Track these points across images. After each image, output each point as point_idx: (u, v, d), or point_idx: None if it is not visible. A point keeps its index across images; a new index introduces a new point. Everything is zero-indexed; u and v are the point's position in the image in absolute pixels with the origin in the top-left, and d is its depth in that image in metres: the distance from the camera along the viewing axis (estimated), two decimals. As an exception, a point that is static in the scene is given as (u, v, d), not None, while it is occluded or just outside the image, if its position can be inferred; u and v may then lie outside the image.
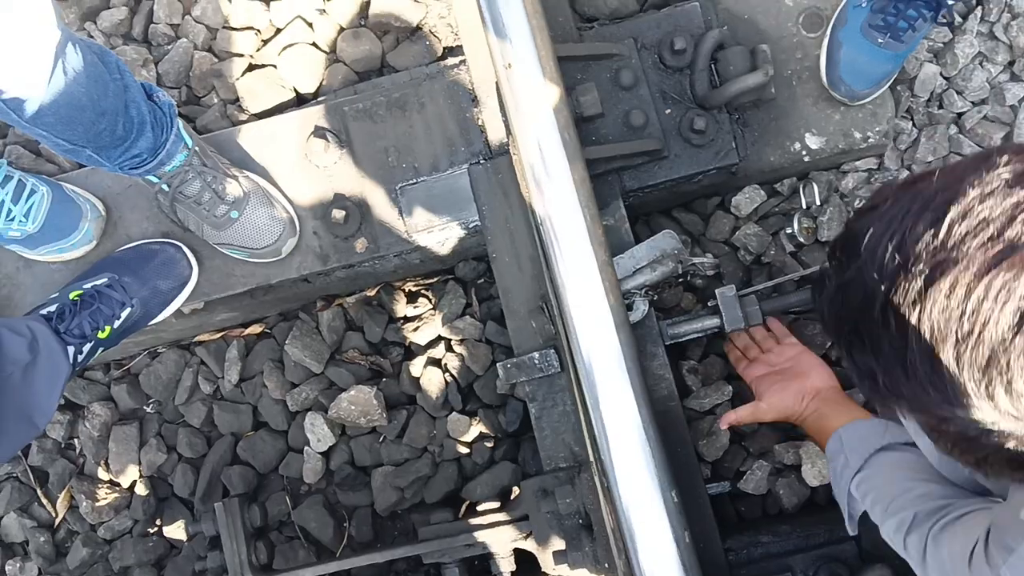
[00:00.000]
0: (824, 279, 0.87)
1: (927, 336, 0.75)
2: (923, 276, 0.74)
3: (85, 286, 1.62)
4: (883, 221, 0.79)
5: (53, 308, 1.58)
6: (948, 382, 0.76)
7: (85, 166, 1.75)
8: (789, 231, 1.73)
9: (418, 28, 1.87)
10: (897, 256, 0.76)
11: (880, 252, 0.77)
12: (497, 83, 1.53)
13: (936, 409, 0.79)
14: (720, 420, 1.59)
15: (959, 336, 0.73)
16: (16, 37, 1.15)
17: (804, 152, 1.69)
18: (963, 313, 0.72)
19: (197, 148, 1.59)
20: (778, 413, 1.53)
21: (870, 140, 1.68)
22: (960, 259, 0.72)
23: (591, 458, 1.51)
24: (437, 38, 1.87)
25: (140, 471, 1.94)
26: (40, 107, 1.26)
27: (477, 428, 1.83)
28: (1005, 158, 0.76)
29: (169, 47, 1.89)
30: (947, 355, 0.74)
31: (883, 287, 0.77)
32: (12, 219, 1.63)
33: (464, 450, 1.84)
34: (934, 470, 1.25)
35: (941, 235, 0.74)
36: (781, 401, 1.52)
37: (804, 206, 1.72)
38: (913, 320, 0.75)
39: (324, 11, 1.88)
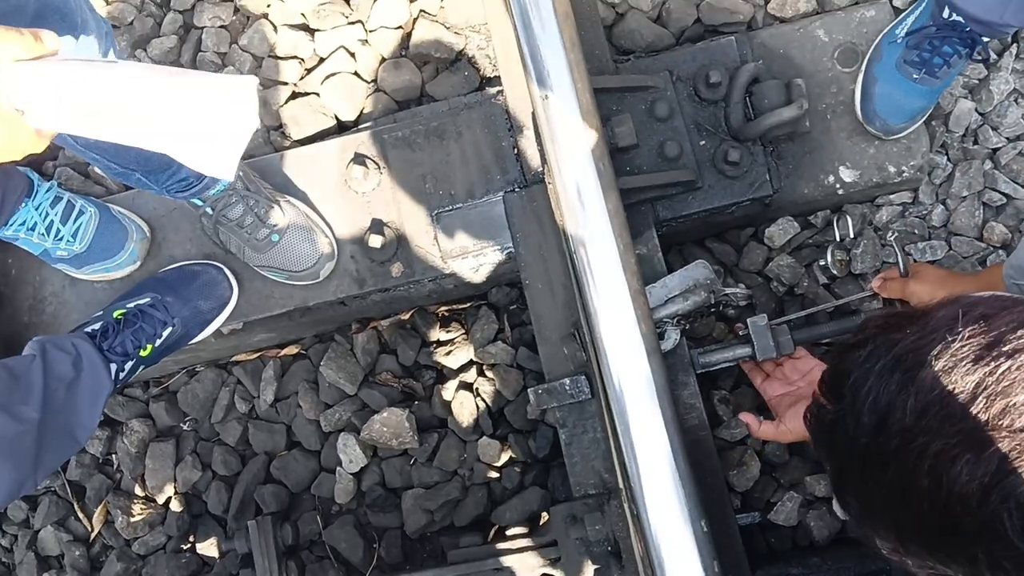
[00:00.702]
0: (820, 410, 0.88)
1: (897, 496, 0.77)
2: (894, 440, 0.76)
3: (128, 305, 1.66)
4: (862, 370, 0.81)
5: (97, 326, 1.62)
6: (917, 544, 0.78)
7: (132, 188, 1.80)
8: (822, 263, 1.74)
9: (457, 59, 1.91)
10: (873, 415, 0.78)
11: (858, 405, 0.80)
12: (534, 113, 1.56)
13: (911, 559, 0.81)
14: (742, 414, 1.60)
15: (927, 505, 0.75)
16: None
17: (838, 185, 1.70)
18: (930, 484, 0.74)
19: (241, 173, 1.63)
20: (796, 437, 1.54)
21: (904, 174, 1.69)
22: (928, 431, 0.75)
23: (620, 485, 1.52)
24: (476, 68, 1.90)
25: (175, 488, 1.97)
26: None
27: (507, 453, 1.85)
28: (969, 330, 0.77)
29: (216, 75, 1.94)
30: (914, 519, 0.76)
31: (862, 440, 0.79)
32: (60, 239, 1.68)
33: (494, 474, 1.85)
34: None
35: (909, 403, 0.76)
36: (799, 426, 1.52)
37: (838, 238, 1.73)
38: (886, 479, 0.77)
39: (367, 42, 1.93)
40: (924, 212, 1.78)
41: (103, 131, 0.88)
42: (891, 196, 1.77)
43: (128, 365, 1.61)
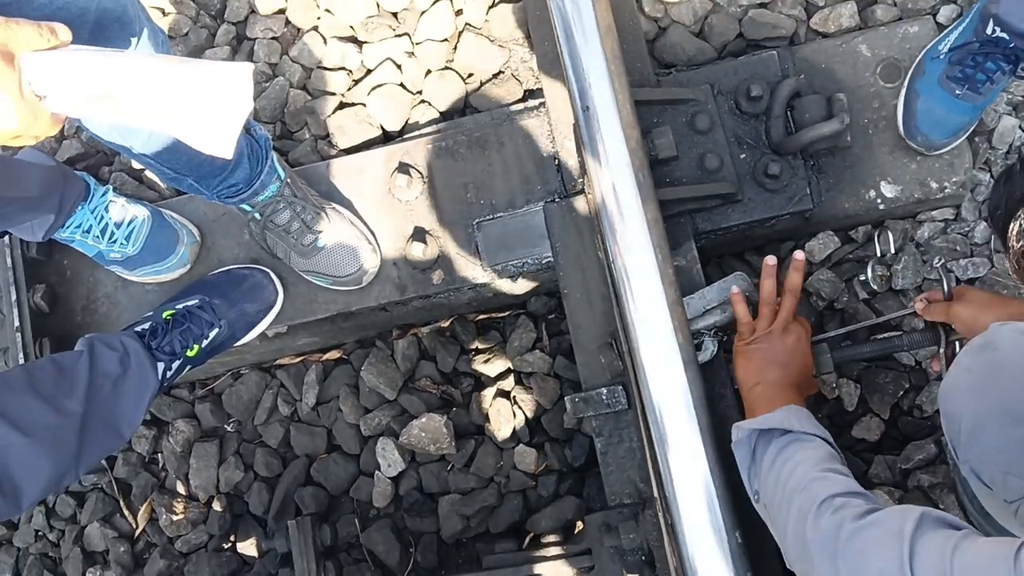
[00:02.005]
0: (1014, 173, 1.03)
1: None
2: None
3: (178, 306, 1.71)
4: None
5: (147, 326, 1.67)
6: None
7: (184, 193, 1.86)
8: (863, 278, 1.73)
9: (501, 72, 1.94)
10: None
11: None
12: (575, 124, 1.59)
13: None
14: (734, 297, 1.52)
15: None
16: None
17: (879, 200, 1.69)
18: None
19: (289, 180, 1.67)
20: (741, 373, 1.49)
21: (947, 190, 1.68)
22: None
23: (655, 495, 1.52)
24: (518, 81, 1.93)
25: (218, 487, 2.02)
26: (151, 137, 1.36)
27: (543, 461, 1.86)
28: None
29: (267, 84, 2.00)
30: None
31: None
32: (114, 241, 1.74)
33: (530, 482, 1.86)
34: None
35: None
36: (744, 369, 1.48)
37: (878, 254, 1.72)
38: None
39: (413, 54, 1.97)
40: (966, 229, 1.76)
41: (111, 114, 0.95)
42: (933, 212, 1.76)
43: (175, 364, 1.66)
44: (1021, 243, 1.03)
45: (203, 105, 0.94)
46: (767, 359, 1.46)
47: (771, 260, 1.53)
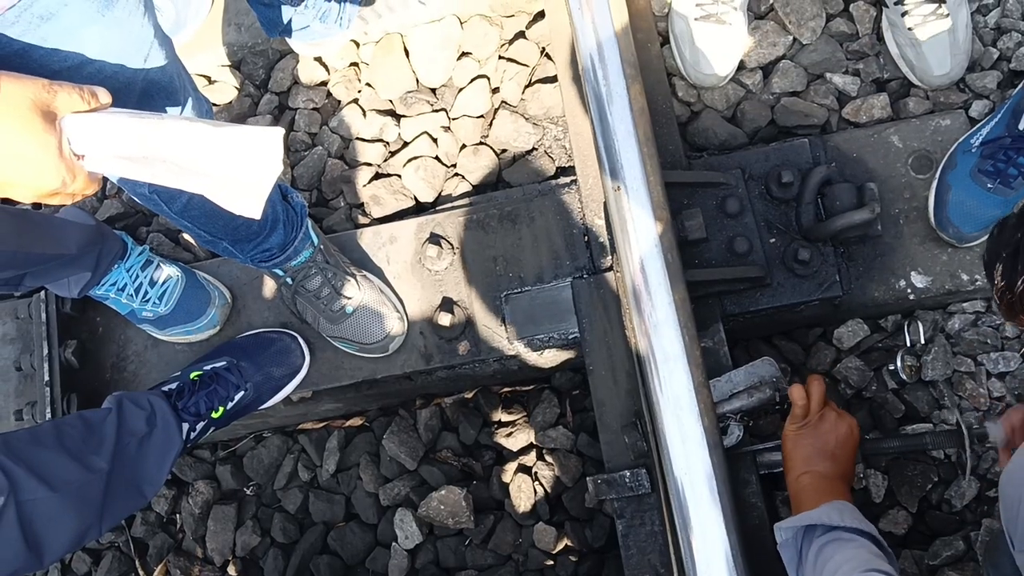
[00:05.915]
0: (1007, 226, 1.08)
1: None
2: None
3: (205, 367, 1.72)
4: None
5: (174, 385, 1.68)
6: None
7: (218, 256, 1.89)
8: (892, 368, 1.71)
9: (534, 148, 1.98)
10: None
11: None
12: (605, 203, 1.60)
13: None
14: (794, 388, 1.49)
15: None
16: None
17: (909, 290, 1.69)
18: None
19: (322, 246, 1.70)
20: (789, 460, 1.47)
21: (978, 283, 1.67)
22: None
23: (676, 580, 1.49)
24: (551, 158, 1.96)
25: (234, 551, 2.00)
26: (190, 201, 1.39)
27: (563, 540, 1.83)
28: None
29: (306, 153, 2.04)
30: None
31: None
32: (147, 300, 1.77)
33: (548, 562, 1.83)
34: None
35: None
36: (792, 456, 1.47)
37: (908, 344, 1.71)
38: None
39: (449, 128, 2.01)
40: (998, 322, 1.75)
41: (146, 175, 0.98)
42: (964, 304, 1.75)
43: (200, 425, 1.66)
44: (1001, 281, 1.09)
45: (234, 167, 0.97)
46: (818, 447, 1.45)
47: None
